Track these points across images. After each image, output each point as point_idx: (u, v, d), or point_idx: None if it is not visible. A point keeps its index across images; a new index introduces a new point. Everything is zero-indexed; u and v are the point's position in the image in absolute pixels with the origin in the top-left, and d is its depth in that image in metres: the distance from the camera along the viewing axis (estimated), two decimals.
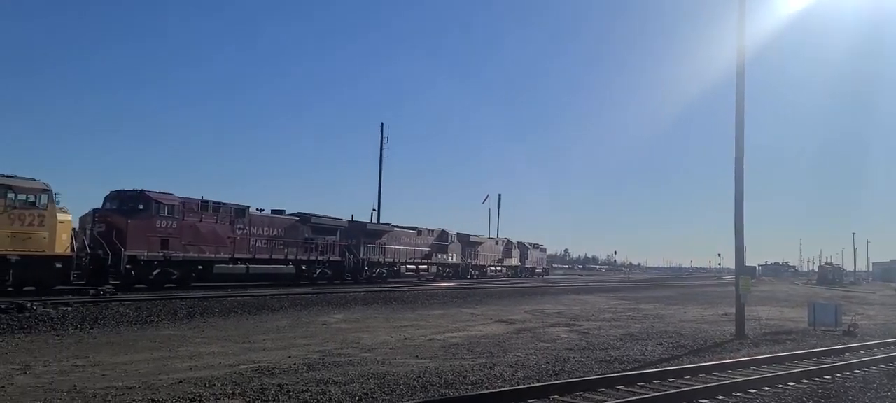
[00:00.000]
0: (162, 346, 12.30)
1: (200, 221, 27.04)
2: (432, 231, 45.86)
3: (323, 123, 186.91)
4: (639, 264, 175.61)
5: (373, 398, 8.17)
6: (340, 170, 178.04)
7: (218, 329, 15.27)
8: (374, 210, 50.58)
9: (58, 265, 20.61)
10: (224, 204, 28.45)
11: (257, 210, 31.09)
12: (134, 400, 7.63)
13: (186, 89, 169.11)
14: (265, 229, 30.86)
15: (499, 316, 20.69)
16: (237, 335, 14.25)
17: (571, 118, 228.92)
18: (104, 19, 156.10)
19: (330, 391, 8.43)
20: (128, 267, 23.57)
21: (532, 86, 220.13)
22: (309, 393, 8.27)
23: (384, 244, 40.13)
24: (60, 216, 20.97)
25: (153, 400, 7.65)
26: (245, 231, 29.40)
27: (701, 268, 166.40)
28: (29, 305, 15.40)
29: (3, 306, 15.06)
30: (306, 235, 33.45)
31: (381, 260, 39.58)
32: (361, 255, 37.47)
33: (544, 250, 73.67)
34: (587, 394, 8.61)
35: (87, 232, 23.42)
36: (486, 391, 8.58)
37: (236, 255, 28.62)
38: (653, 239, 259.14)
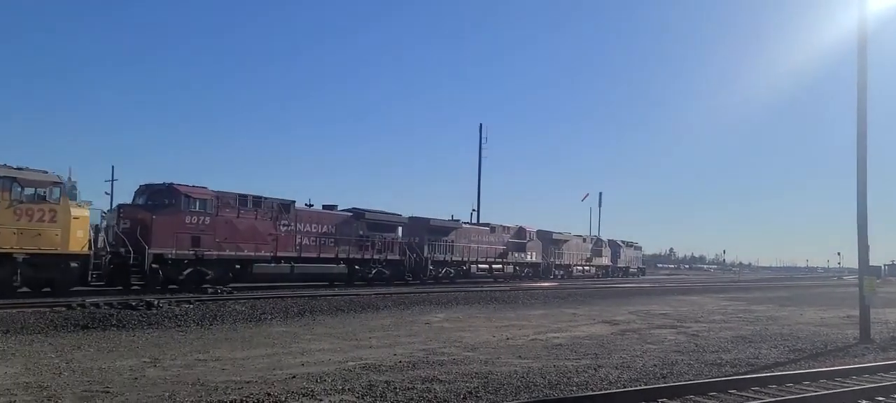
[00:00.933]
0: (275, 343, 12.90)
1: (238, 217, 25.34)
2: (508, 227, 43.13)
3: (414, 125, 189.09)
4: (749, 263, 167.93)
5: (477, 397, 8.25)
6: (439, 170, 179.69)
7: (326, 326, 15.85)
8: (473, 210, 50.77)
9: (73, 264, 19.39)
10: (266, 198, 26.82)
11: (306, 204, 29.76)
12: (252, 394, 8.04)
13: (285, 83, 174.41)
14: (313, 225, 28.97)
15: (602, 316, 20.35)
16: (344, 332, 14.74)
17: (675, 111, 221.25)
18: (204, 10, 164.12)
19: (435, 389, 8.59)
20: (154, 266, 22.20)
21: (632, 80, 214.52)
22: (414, 391, 8.45)
23: (452, 241, 37.84)
24: (75, 211, 19.65)
25: (269, 394, 8.04)
26: (290, 227, 27.56)
27: (818, 268, 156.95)
28: (156, 302, 16.53)
29: (133, 303, 16.26)
30: (361, 232, 31.37)
31: (448, 259, 37.29)
32: (426, 254, 35.33)
33: (639, 248, 70.19)
34: (698, 398, 8.34)
35: (111, 229, 22.49)
36: (591, 392, 8.48)
37: (279, 253, 26.83)
38: (764, 237, 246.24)
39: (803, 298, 33.62)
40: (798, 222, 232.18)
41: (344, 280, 29.57)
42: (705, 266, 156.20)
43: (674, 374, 10.28)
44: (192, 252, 23.44)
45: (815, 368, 10.95)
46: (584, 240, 54.99)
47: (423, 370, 10.06)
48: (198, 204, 24.03)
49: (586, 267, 53.98)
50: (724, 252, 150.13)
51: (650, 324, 18.29)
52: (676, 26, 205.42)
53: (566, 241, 50.66)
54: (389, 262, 32.70)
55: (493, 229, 41.91)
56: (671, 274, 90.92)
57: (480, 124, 53.82)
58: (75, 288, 19.66)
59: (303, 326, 15.84)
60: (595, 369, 10.51)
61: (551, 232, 48.08)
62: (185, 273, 23.28)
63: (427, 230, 36.28)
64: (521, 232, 44.30)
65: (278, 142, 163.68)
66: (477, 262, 39.51)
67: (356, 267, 30.79)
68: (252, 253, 25.65)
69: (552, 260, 47.88)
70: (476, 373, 9.80)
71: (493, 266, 41.24)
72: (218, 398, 7.80)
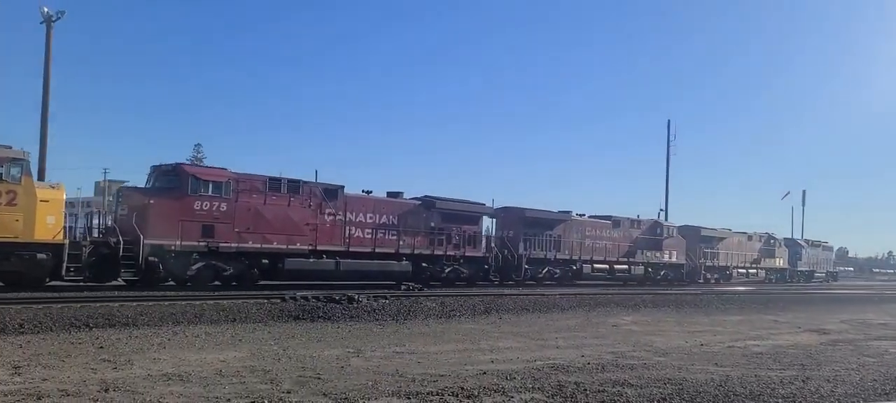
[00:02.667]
0: (464, 339, 13.38)
1: (265, 203, 21.50)
2: (638, 221, 36.68)
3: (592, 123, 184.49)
4: None
5: None
6: (621, 170, 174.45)
7: (512, 325, 16.15)
8: (661, 210, 48.70)
9: (42, 255, 16.84)
10: (305, 181, 22.98)
11: (364, 191, 25.48)
12: (446, 387, 8.43)
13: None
14: (369, 215, 24.54)
15: (808, 324, 18.76)
16: (531, 332, 14.93)
17: (888, 97, 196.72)
18: None
19: (626, 393, 8.45)
20: (152, 259, 19.00)
21: (843, 65, 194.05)
22: (605, 394, 8.38)
23: (559, 236, 31.88)
24: (43, 192, 17.25)
25: (462, 389, 8.38)
26: (336, 216, 23.51)
27: None
28: (356, 297, 17.81)
29: (337, 297, 17.63)
30: (432, 223, 26.37)
31: (553, 256, 31.34)
32: (521, 250, 29.67)
33: (829, 249, 59.95)
34: None
35: (109, 215, 20.85)
36: None
37: (320, 246, 22.76)
38: None
39: None
40: None
41: (408, 279, 24.75)
42: None
43: None
44: (203, 243, 20.04)
45: None
46: (750, 238, 46.15)
47: (612, 373, 9.94)
48: (210, 187, 20.35)
49: (752, 270, 46.11)
50: None
51: (867, 335, 16.57)
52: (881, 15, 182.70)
53: (722, 239, 42.96)
54: (469, 259, 27.52)
55: (617, 223, 35.31)
56: (890, 280, 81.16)
57: (668, 120, 51.54)
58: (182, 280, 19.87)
59: (490, 324, 16.26)
60: (803, 381, 9.75)
61: (700, 228, 40.85)
62: (194, 267, 20.07)
63: (524, 222, 30.45)
64: (655, 226, 37.76)
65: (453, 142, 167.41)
66: (593, 261, 32.94)
67: (423, 263, 25.97)
68: (283, 246, 21.76)
69: (702, 260, 40.40)
70: (669, 379, 9.50)
71: (616, 266, 34.48)
72: (415, 389, 8.28)
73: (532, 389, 8.57)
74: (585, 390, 8.55)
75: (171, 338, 11.91)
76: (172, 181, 20.18)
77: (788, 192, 70.12)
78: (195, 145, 70.43)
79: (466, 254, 27.48)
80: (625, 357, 11.58)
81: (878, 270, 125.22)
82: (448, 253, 26.73)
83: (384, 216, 25.10)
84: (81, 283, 18.57)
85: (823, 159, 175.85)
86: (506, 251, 29.35)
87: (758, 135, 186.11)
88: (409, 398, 7.78)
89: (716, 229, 42.78)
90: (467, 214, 28.09)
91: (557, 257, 31.65)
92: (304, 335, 13.04)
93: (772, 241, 47.92)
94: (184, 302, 15.48)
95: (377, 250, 24.39)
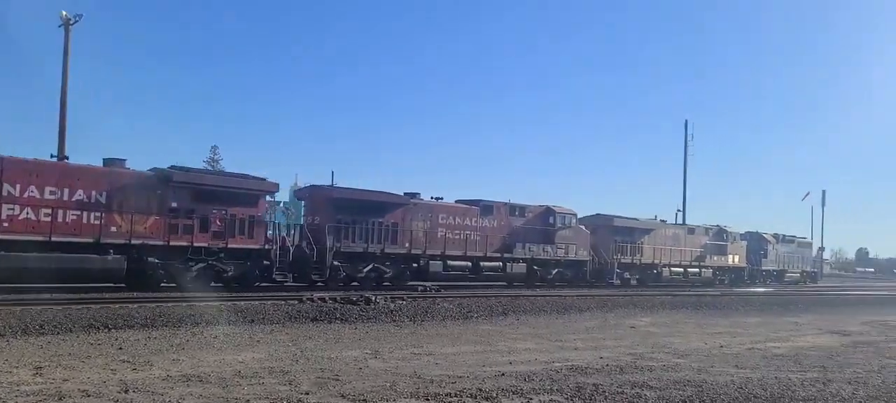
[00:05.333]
0: (482, 340, 13.38)
1: None
2: (521, 208, 29.33)
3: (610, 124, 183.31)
4: None
5: None
6: (636, 168, 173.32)
7: (530, 326, 16.12)
8: (678, 211, 48.26)
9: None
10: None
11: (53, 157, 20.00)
12: (465, 388, 8.42)
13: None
14: (49, 189, 17.76)
15: (828, 326, 18.57)
16: (548, 333, 14.89)
17: None
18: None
19: (645, 395, 8.41)
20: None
21: (858, 63, 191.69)
22: (624, 395, 8.34)
23: (395, 224, 24.99)
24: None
25: (480, 390, 8.37)
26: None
27: None
28: (374, 298, 17.86)
29: (354, 299, 17.69)
30: (171, 203, 19.66)
31: (380, 250, 24.18)
32: (330, 242, 22.80)
33: (807, 245, 51.10)
34: None
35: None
36: None
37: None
38: None
39: None
40: None
41: (117, 279, 18.89)
42: None
43: None
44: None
45: None
46: (691, 231, 38.48)
47: (631, 375, 9.89)
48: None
49: (693, 270, 37.41)
50: None
51: (888, 337, 16.39)
52: None
53: (648, 232, 35.52)
54: (236, 252, 20.93)
55: (488, 209, 28.05)
56: None
57: (686, 121, 51.04)
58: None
59: (508, 325, 16.24)
60: (824, 383, 9.64)
61: (612, 217, 34.03)
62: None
63: (334, 206, 24.56)
64: (547, 214, 30.26)
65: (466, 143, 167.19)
66: (445, 257, 26.15)
67: (152, 258, 19.10)
68: None
69: (616, 256, 33.11)
70: (688, 381, 9.44)
71: (483, 263, 27.43)
72: (434, 390, 8.28)
73: (551, 391, 8.54)
74: (604, 392, 8.51)
75: (189, 340, 12.00)
76: None
77: (808, 193, 68.94)
78: (212, 147, 71.00)
79: (232, 245, 20.34)
80: (643, 359, 11.51)
81: None
82: (197, 243, 19.77)
83: (80, 190, 18.18)
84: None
85: (844, 159, 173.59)
86: (306, 242, 22.48)
87: (776, 135, 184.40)
88: (428, 399, 7.78)
89: (637, 220, 35.61)
90: (234, 192, 20.68)
91: (390, 251, 24.30)
92: (322, 336, 13.09)
93: (723, 235, 40.00)
94: (202, 304, 15.59)
95: (56, 238, 17.44)
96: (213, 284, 19.64)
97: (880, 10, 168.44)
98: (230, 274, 20.26)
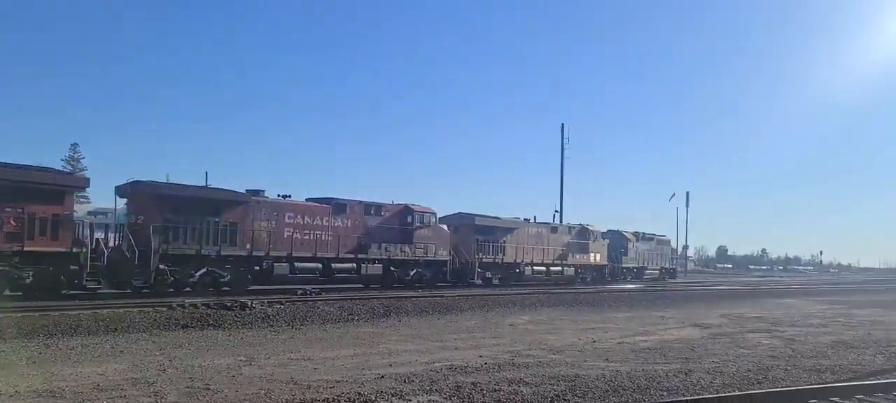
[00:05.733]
0: (363, 343, 13.19)
1: None
2: (375, 206, 28.33)
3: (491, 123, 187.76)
4: (849, 265, 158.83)
5: (565, 400, 8.20)
6: (519, 173, 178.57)
7: (412, 327, 16.09)
8: (556, 212, 49.92)
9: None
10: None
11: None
12: (343, 393, 8.25)
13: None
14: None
15: (691, 319, 19.78)
16: (430, 334, 14.92)
17: (765, 104, 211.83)
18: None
19: (522, 391, 8.58)
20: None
21: (719, 74, 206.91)
22: (501, 393, 8.47)
23: (234, 224, 23.30)
24: None
25: (359, 394, 8.23)
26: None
27: None
28: (250, 303, 17.23)
29: (228, 304, 16.99)
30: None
31: (216, 253, 22.41)
32: (155, 244, 20.85)
33: (666, 243, 52.29)
34: None
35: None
36: (682, 398, 8.27)
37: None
38: (865, 237, 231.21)
39: None
40: None
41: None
42: (800, 267, 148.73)
43: (769, 380, 9.90)
44: None
45: None
46: (554, 230, 38.58)
47: (509, 372, 10.07)
48: None
49: (556, 268, 37.59)
50: (821, 253, 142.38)
51: (743, 328, 17.64)
52: (766, 17, 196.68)
53: (511, 230, 35.28)
54: (32, 256, 18.38)
55: (340, 207, 26.88)
56: (764, 276, 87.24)
57: (562, 124, 52.99)
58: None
59: (389, 327, 16.13)
60: (686, 374, 10.24)
61: (473, 216, 33.20)
62: None
63: (161, 204, 22.77)
64: (405, 213, 29.60)
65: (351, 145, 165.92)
66: (292, 259, 24.65)
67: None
68: None
69: (477, 255, 32.51)
70: (563, 376, 9.73)
71: (335, 263, 26.13)
72: (311, 396, 8.06)
73: (430, 391, 8.54)
74: (483, 390, 8.61)
75: (42, 352, 11.04)
76: None
77: (674, 194, 73.48)
78: (72, 145, 66.12)
79: (30, 248, 18.03)
80: (521, 356, 11.77)
81: (753, 267, 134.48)
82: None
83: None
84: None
85: (708, 164, 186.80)
86: (126, 244, 20.64)
87: (650, 140, 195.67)
88: None
89: (499, 218, 35.06)
90: (32, 188, 18.24)
91: (228, 253, 22.71)
92: (193, 344, 12.44)
93: (586, 234, 40.34)
94: (57, 313, 14.43)
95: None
96: (8, 293, 17.41)
97: (747, 20, 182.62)
98: (29, 281, 17.93)
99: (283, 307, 17.79)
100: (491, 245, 33.30)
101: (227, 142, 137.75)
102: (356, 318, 17.37)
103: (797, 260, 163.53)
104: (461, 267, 31.49)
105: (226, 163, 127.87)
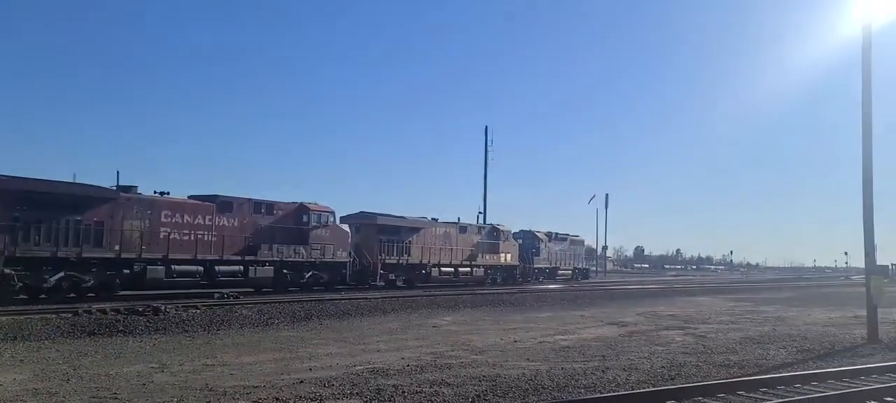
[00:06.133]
0: (283, 347, 12.90)
1: None
2: (265, 205, 26.34)
3: (418, 130, 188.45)
4: (757, 264, 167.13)
5: (485, 400, 8.24)
6: (447, 176, 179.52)
7: (334, 330, 15.86)
8: (479, 213, 50.26)
9: None
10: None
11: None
12: (260, 399, 8.04)
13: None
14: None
15: (610, 318, 20.30)
16: (352, 336, 14.74)
17: (682, 114, 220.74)
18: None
19: (443, 392, 8.57)
20: None
21: (637, 79, 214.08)
22: (423, 394, 8.44)
23: (98, 223, 21.10)
24: None
25: (278, 399, 8.03)
26: None
27: (826, 268, 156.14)
28: (163, 308, 16.56)
29: (140, 309, 16.28)
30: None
31: (76, 255, 20.04)
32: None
33: (580, 243, 50.83)
34: (705, 399, 8.30)
35: None
36: (599, 395, 8.46)
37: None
38: (772, 238, 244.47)
39: (811, 298, 33.47)
40: (805, 222, 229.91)
41: None
42: (712, 267, 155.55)
43: (682, 376, 10.24)
44: None
45: (823, 368, 10.89)
46: (463, 230, 37.11)
47: (431, 373, 10.04)
48: None
49: (465, 269, 36.10)
50: (732, 253, 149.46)
51: (658, 326, 18.23)
52: (681, 27, 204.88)
53: (417, 230, 33.70)
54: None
55: (226, 205, 25.09)
56: (678, 276, 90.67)
57: (486, 127, 53.47)
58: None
59: (310, 330, 15.85)
60: (603, 371, 10.47)
61: (375, 216, 31.71)
62: None
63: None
64: (299, 212, 27.58)
65: (282, 148, 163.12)
66: (181, 261, 23.00)
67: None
68: None
69: (381, 256, 30.85)
70: (484, 376, 9.78)
71: (220, 267, 24.21)
72: (227, 402, 7.81)
73: (350, 395, 8.42)
74: (404, 392, 8.55)
75: None
76: None
77: (594, 196, 75.10)
78: None
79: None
80: (444, 357, 11.77)
81: (669, 266, 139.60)
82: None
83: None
84: None
85: (627, 167, 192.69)
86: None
87: (573, 143, 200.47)
88: None
89: (405, 218, 33.38)
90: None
91: (91, 255, 20.50)
92: (100, 351, 11.85)
93: (496, 233, 39.36)
94: None
95: None
96: None
97: (664, 31, 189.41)
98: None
99: (199, 311, 17.20)
100: (395, 245, 31.85)
101: (96, 135, 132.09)
102: (276, 322, 16.99)
103: (709, 260, 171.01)
104: (363, 268, 29.97)
105: (94, 158, 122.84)
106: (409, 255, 32.49)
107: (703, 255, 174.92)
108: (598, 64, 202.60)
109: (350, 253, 29.00)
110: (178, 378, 9.40)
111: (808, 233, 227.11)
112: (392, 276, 31.25)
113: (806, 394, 8.72)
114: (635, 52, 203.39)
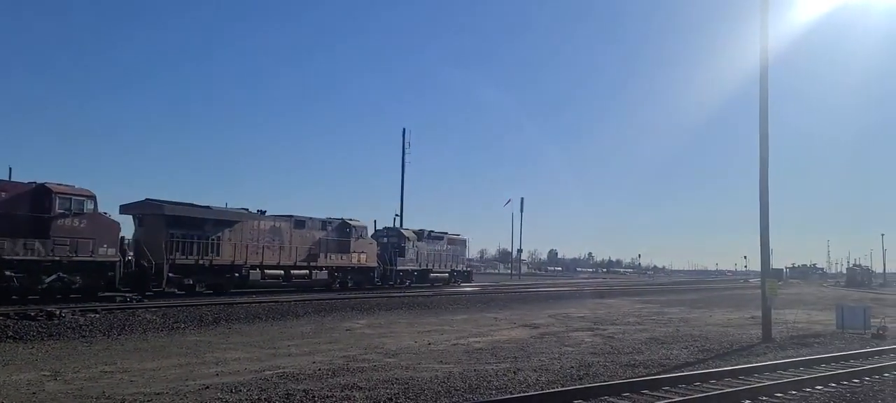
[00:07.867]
0: (189, 352, 12.44)
1: None
2: None
3: (330, 124, 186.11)
4: (664, 267, 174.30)
5: None
6: (360, 174, 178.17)
7: (243, 335, 15.42)
8: (396, 216, 50.01)
9: None
10: None
11: None
12: None
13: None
14: None
15: (522, 320, 20.65)
16: (262, 341, 14.37)
17: (596, 123, 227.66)
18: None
19: (354, 396, 8.48)
20: None
21: (558, 88, 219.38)
22: (334, 398, 8.32)
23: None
24: None
25: None
26: None
27: (727, 271, 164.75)
28: (58, 312, 15.65)
29: (32, 313, 15.33)
30: None
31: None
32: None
33: (459, 242, 44.15)
34: (611, 399, 8.56)
35: None
36: (510, 396, 8.56)
37: None
38: (677, 243, 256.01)
39: (712, 300, 35.15)
40: (709, 228, 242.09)
41: None
42: (622, 270, 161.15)
43: (589, 376, 10.51)
44: None
45: (721, 367, 11.43)
46: (300, 224, 31.01)
47: (343, 377, 9.91)
48: None
49: (302, 271, 30.30)
50: (640, 256, 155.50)
51: (568, 327, 18.67)
52: (611, 37, 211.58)
53: (232, 224, 27.33)
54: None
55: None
56: (589, 278, 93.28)
57: (404, 129, 53.23)
58: None
59: (218, 334, 15.35)
60: (514, 372, 10.62)
61: (163, 205, 25.19)
62: None
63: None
64: (41, 194, 20.10)
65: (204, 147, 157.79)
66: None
67: None
68: None
69: (173, 255, 24.42)
70: (396, 379, 9.73)
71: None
72: None
73: (258, 400, 8.20)
74: (314, 397, 8.40)
75: None
76: None
77: (509, 200, 76.04)
78: None
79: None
80: (356, 361, 11.65)
81: (580, 269, 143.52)
82: None
83: None
84: None
85: (541, 172, 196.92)
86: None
87: (486, 152, 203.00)
88: None
89: (210, 209, 26.96)
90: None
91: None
92: None
93: (347, 230, 33.40)
94: None
95: None
96: None
97: (577, 40, 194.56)
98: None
99: (98, 316, 16.35)
100: (195, 243, 25.52)
101: None
102: (183, 326, 16.36)
103: (619, 263, 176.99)
104: (143, 271, 23.47)
105: None
106: (217, 254, 26.58)
107: (613, 259, 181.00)
108: (512, 59, 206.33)
109: (122, 251, 22.82)
110: (73, 386, 8.91)
111: (711, 238, 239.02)
112: (189, 280, 25.32)
113: (705, 392, 9.14)
114: (562, 65, 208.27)
